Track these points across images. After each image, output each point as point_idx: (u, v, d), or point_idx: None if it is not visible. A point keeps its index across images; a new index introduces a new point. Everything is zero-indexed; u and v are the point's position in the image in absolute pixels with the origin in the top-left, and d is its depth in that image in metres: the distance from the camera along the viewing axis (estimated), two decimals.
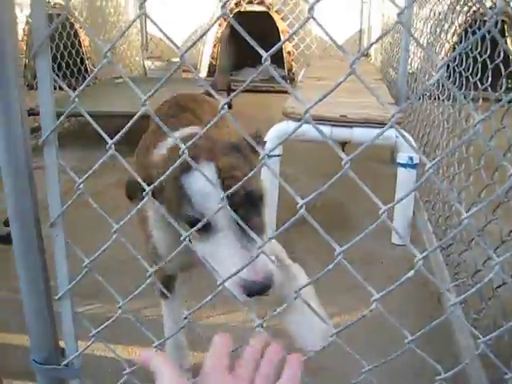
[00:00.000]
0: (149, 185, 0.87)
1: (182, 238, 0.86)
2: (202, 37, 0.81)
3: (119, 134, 0.91)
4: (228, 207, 0.86)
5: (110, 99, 4.24)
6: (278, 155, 2.45)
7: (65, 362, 1.09)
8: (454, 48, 3.36)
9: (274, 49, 0.76)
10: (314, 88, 3.27)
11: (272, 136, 2.44)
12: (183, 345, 1.58)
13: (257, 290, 0.93)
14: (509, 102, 1.14)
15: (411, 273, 0.77)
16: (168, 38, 0.81)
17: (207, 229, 0.96)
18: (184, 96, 1.69)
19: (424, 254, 0.80)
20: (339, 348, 0.87)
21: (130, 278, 1.88)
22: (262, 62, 0.77)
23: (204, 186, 0.95)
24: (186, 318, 0.94)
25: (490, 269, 0.83)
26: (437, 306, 1.97)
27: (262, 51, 0.77)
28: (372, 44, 0.75)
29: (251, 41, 0.77)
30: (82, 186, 0.98)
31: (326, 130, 2.33)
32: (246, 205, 0.96)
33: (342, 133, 2.37)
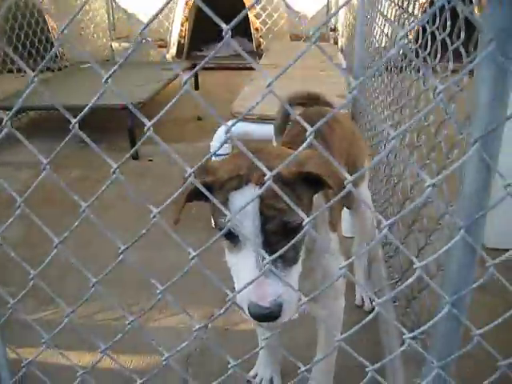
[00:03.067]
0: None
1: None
2: (161, 10, 0.80)
3: (82, 112, 0.90)
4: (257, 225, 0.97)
5: (73, 88, 4.14)
6: (227, 154, 2.43)
7: None
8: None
9: (234, 21, 0.75)
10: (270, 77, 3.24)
11: (220, 135, 2.47)
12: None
13: (261, 313, 0.96)
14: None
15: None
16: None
17: (236, 243, 1.02)
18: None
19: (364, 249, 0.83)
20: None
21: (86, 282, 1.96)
22: (223, 35, 0.77)
23: (243, 203, 0.96)
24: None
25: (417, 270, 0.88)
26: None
27: (223, 24, 0.76)
28: (332, 15, 0.75)
29: (212, 15, 0.76)
30: (47, 166, 0.96)
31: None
32: (280, 233, 0.99)
33: None
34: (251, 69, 5.32)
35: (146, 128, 0.87)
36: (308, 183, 1.04)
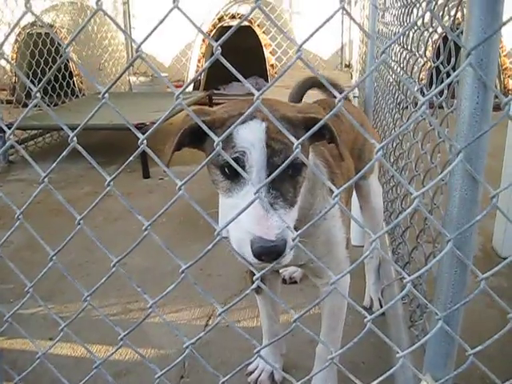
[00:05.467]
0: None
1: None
2: (159, 23, 0.83)
3: (79, 127, 0.93)
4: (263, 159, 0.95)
5: (86, 112, 4.25)
6: None
7: None
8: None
9: (222, 39, 0.79)
10: (279, 95, 3.31)
11: None
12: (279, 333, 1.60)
13: (266, 247, 0.90)
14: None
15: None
16: (124, 32, 0.83)
17: (238, 181, 0.99)
18: None
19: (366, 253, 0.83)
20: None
21: (86, 281, 2.03)
22: (213, 51, 0.81)
23: (250, 134, 0.98)
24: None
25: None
26: None
27: (214, 42, 0.80)
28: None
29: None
30: (46, 179, 1.00)
31: None
32: (283, 172, 0.91)
33: None
34: None
35: (139, 141, 0.90)
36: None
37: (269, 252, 0.91)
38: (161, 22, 0.83)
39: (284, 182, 0.99)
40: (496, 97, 0.84)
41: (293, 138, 0.81)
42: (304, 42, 0.76)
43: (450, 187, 0.89)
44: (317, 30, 0.73)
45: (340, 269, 1.33)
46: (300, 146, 0.80)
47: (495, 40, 0.81)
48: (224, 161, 0.98)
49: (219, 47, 0.80)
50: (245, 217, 0.91)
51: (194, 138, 1.05)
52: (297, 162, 0.97)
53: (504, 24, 0.79)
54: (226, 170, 1.00)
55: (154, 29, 0.81)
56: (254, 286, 0.91)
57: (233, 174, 0.99)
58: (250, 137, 0.98)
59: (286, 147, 0.97)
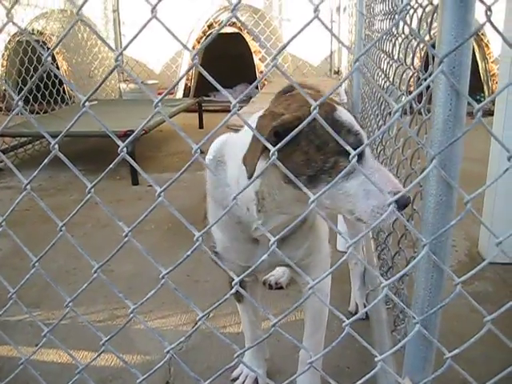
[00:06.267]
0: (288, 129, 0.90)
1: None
2: (141, 30, 0.85)
3: (61, 135, 0.94)
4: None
5: (80, 120, 4.27)
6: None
7: None
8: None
9: (200, 46, 0.80)
10: (266, 102, 3.34)
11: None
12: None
13: (408, 198, 0.98)
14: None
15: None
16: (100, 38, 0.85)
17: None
18: None
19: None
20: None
21: (73, 288, 2.06)
22: (190, 60, 0.82)
23: (351, 117, 1.06)
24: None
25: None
26: None
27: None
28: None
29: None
30: (28, 186, 1.01)
31: None
32: None
33: None
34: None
35: (119, 149, 0.91)
36: None
37: (409, 201, 1.00)
38: (139, 31, 0.84)
39: None
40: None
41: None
42: (278, 52, 0.78)
43: (426, 192, 0.91)
44: (289, 42, 0.75)
45: (325, 267, 1.37)
46: None
47: (467, 48, 0.83)
48: (341, 148, 0.86)
49: (196, 56, 0.81)
50: (379, 182, 0.97)
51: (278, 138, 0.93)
52: None
53: (474, 33, 0.81)
54: (345, 156, 0.93)
55: (131, 41, 0.82)
56: (233, 290, 0.92)
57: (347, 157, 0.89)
58: (353, 119, 1.06)
59: None
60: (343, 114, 1.04)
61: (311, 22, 0.78)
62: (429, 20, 1.06)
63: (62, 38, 0.91)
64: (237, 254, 1.29)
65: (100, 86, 0.92)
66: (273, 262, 1.21)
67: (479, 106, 0.80)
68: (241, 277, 0.92)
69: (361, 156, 1.00)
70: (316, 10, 0.78)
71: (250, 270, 0.96)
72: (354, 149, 0.84)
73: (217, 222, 0.98)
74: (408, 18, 1.21)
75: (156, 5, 0.81)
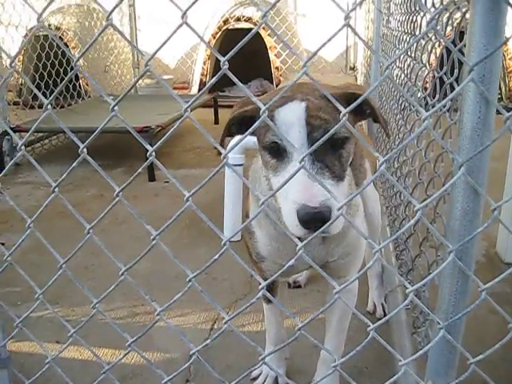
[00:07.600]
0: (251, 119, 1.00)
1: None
2: (169, 37, 0.86)
3: (91, 137, 0.96)
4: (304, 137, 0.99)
5: (97, 116, 4.29)
6: (241, 164, 2.46)
7: None
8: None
9: (230, 53, 0.81)
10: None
11: (233, 146, 2.54)
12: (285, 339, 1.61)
13: (310, 214, 0.93)
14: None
15: None
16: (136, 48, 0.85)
17: (283, 159, 1.03)
18: None
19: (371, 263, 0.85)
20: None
21: (91, 285, 2.05)
22: (221, 65, 0.83)
23: (289, 114, 1.03)
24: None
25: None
26: None
27: (221, 57, 0.82)
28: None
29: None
30: (56, 189, 1.02)
31: None
32: (326, 145, 0.93)
33: None
34: None
35: (148, 153, 0.92)
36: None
37: (313, 218, 0.94)
38: (169, 38, 0.85)
39: (328, 155, 1.02)
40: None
41: (340, 107, 0.82)
42: (309, 59, 0.78)
43: (452, 199, 0.91)
44: (321, 46, 0.75)
45: (358, 265, 1.37)
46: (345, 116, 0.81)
47: (497, 56, 0.83)
48: (269, 141, 1.04)
49: (226, 62, 0.82)
50: (291, 189, 0.96)
51: (242, 127, 1.10)
52: (338, 137, 1.03)
53: (506, 41, 0.81)
54: (272, 150, 1.05)
55: (162, 45, 0.83)
56: (260, 294, 0.93)
57: (278, 153, 1.04)
58: (290, 116, 1.02)
59: (326, 122, 1.01)
60: (283, 111, 1.03)
61: (341, 30, 0.78)
62: (455, 26, 1.06)
63: (92, 44, 0.92)
64: (279, 253, 1.30)
65: (130, 90, 0.92)
66: (316, 259, 1.20)
67: (509, 114, 0.80)
68: (269, 280, 0.93)
69: (283, 157, 1.03)
70: (347, 17, 0.78)
71: (285, 267, 0.96)
72: (271, 146, 1.03)
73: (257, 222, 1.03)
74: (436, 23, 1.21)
75: (187, 10, 0.82)
